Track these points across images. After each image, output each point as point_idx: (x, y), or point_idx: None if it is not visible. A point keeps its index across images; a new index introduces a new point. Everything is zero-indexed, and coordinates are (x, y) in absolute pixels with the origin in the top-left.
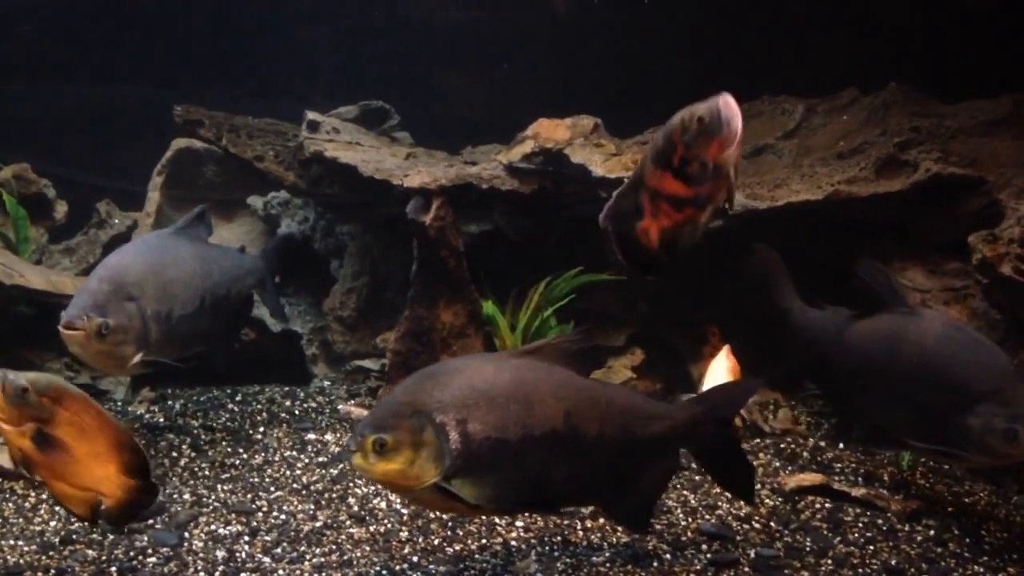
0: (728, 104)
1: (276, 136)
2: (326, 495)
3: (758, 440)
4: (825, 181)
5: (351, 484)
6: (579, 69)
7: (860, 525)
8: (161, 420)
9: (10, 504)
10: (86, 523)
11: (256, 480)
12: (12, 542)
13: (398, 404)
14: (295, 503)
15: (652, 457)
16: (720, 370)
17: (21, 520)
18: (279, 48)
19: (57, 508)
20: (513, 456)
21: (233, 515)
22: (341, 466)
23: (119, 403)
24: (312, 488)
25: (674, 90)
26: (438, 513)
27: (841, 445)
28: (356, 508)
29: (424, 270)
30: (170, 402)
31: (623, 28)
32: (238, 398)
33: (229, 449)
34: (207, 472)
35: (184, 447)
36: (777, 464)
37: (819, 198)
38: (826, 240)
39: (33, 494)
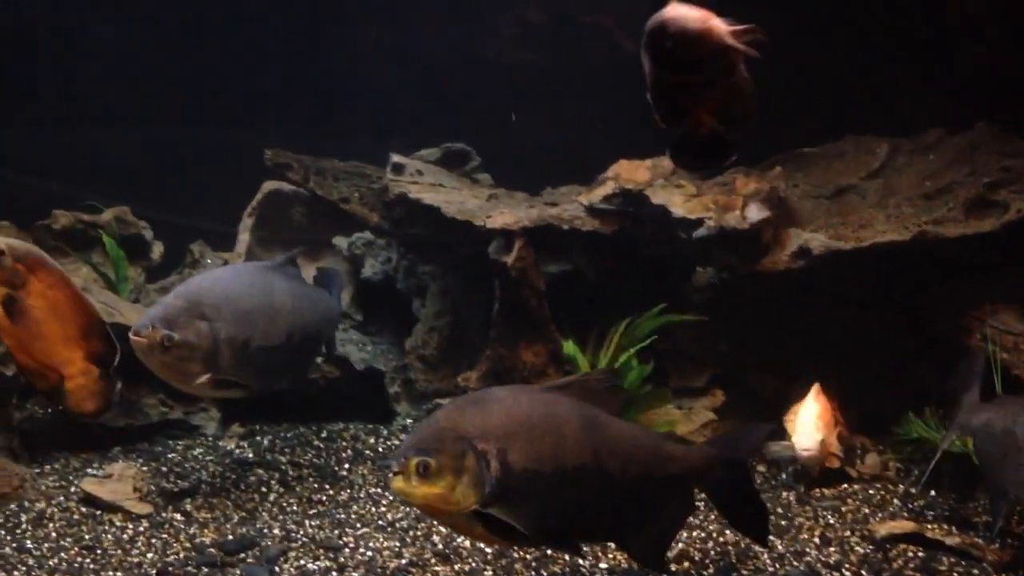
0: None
1: (361, 178)
2: (411, 532)
3: (845, 486)
4: (912, 221)
5: (435, 522)
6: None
7: (955, 575)
8: (250, 455)
9: (109, 535)
10: (49, 402)
11: (343, 516)
12: (110, 573)
13: (441, 429)
14: (381, 540)
15: (670, 496)
16: (811, 411)
17: (119, 551)
18: (361, 90)
19: (154, 540)
20: (546, 488)
21: (321, 551)
22: None
23: (210, 438)
24: (397, 525)
25: (754, 131)
26: (520, 552)
27: (933, 492)
28: (440, 546)
29: (505, 310)
30: (259, 438)
31: None
32: (323, 435)
33: (316, 485)
34: (295, 507)
35: (273, 482)
36: (867, 511)
37: (906, 239)
38: (913, 281)
39: (131, 526)
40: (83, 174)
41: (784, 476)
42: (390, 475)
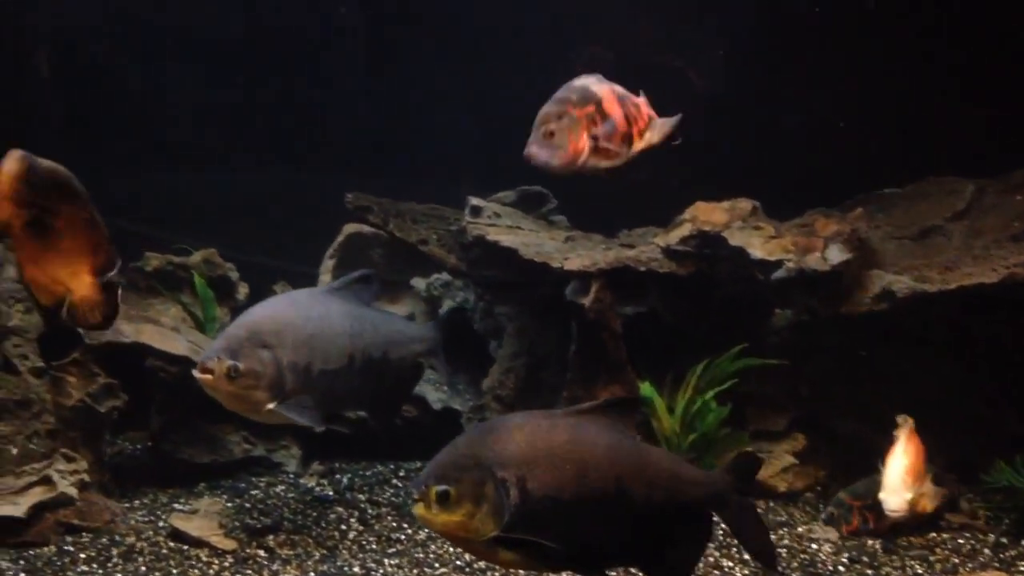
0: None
1: (439, 220)
2: (488, 573)
3: (934, 534)
4: (1000, 263)
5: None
6: (730, 150)
7: None
8: (330, 493)
9: (195, 570)
10: (46, 319)
11: (421, 556)
12: None
13: (461, 456)
14: None
15: (690, 521)
16: (899, 464)
17: None
18: (437, 132)
19: None
20: (566, 515)
21: None
22: None
23: (291, 475)
24: (475, 566)
25: (833, 171)
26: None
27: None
28: None
29: (582, 351)
30: (338, 476)
31: (779, 109)
32: (401, 473)
33: (394, 524)
34: (375, 546)
35: (352, 520)
36: (956, 560)
37: (994, 281)
38: (1000, 324)
39: (216, 561)
40: (172, 217)
41: (863, 524)
42: (410, 501)
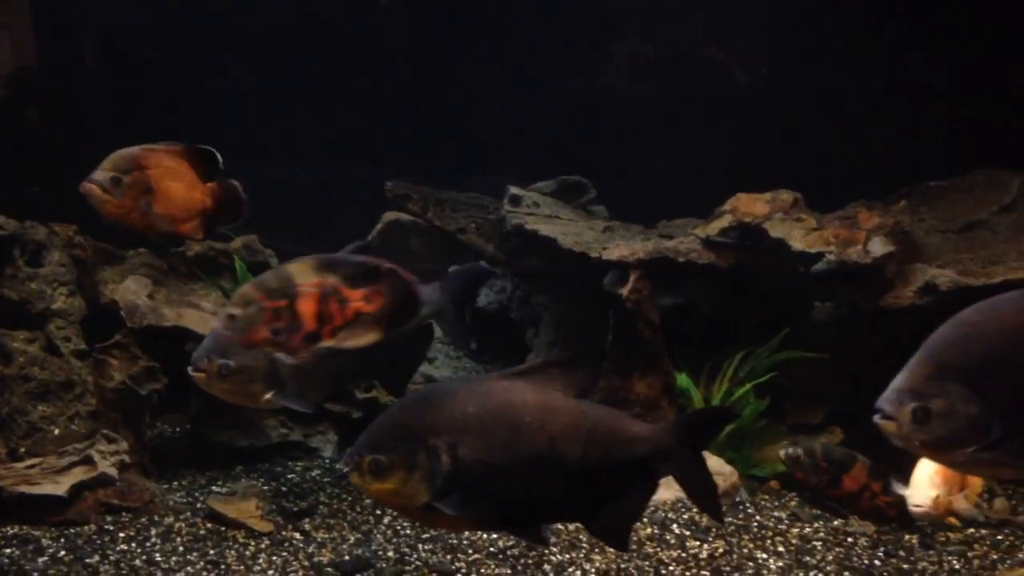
0: None
1: (477, 209)
2: (522, 560)
3: (972, 530)
4: None
5: (546, 551)
6: (773, 142)
7: None
8: None
9: (232, 552)
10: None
11: (455, 542)
12: None
13: (393, 426)
14: (492, 566)
15: (635, 476)
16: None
17: (242, 567)
18: (479, 122)
19: (274, 558)
20: (499, 479)
21: (434, 574)
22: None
23: (327, 460)
24: (508, 553)
25: (875, 162)
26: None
27: None
28: (552, 574)
29: (619, 341)
30: None
31: (822, 101)
32: None
33: None
34: (408, 532)
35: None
36: (995, 556)
37: None
38: None
39: (253, 543)
40: None
41: (817, 483)
42: (345, 470)
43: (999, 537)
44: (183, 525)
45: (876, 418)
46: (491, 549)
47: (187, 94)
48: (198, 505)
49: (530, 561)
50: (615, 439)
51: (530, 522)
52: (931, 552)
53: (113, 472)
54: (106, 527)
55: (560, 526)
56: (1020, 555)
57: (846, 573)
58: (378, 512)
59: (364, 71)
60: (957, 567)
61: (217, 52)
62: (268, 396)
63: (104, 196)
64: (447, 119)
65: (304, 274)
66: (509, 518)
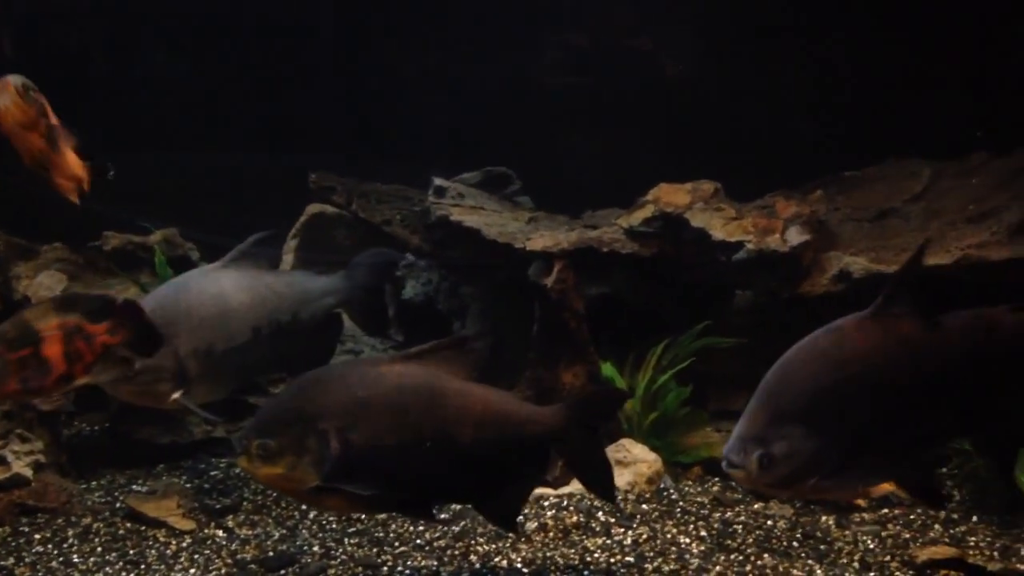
0: None
1: (403, 201)
2: (448, 552)
3: (886, 510)
4: (955, 245)
5: (472, 542)
6: (697, 133)
7: None
8: None
9: (153, 551)
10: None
11: (381, 535)
12: None
13: (283, 410)
14: (419, 559)
15: (525, 458)
16: None
17: (163, 567)
18: (401, 114)
19: (196, 556)
20: (389, 461)
21: (360, 568)
22: (463, 523)
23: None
24: (435, 545)
25: (793, 152)
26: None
27: (975, 518)
28: (478, 566)
29: (545, 332)
30: None
31: (741, 91)
32: None
33: None
34: (335, 526)
35: None
36: (907, 536)
37: (948, 262)
38: (956, 306)
39: (174, 541)
40: (134, 198)
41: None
42: (235, 454)
43: (911, 517)
44: (102, 525)
45: (724, 466)
46: (418, 541)
47: (108, 82)
48: (117, 505)
49: (456, 552)
50: (507, 421)
51: (422, 503)
52: (847, 532)
53: (28, 473)
54: (21, 528)
55: None
56: (931, 534)
57: (766, 555)
58: (303, 508)
59: (290, 58)
60: (872, 546)
61: (140, 39)
62: (176, 396)
63: (17, 98)
64: (373, 109)
65: (43, 318)
66: (400, 499)
